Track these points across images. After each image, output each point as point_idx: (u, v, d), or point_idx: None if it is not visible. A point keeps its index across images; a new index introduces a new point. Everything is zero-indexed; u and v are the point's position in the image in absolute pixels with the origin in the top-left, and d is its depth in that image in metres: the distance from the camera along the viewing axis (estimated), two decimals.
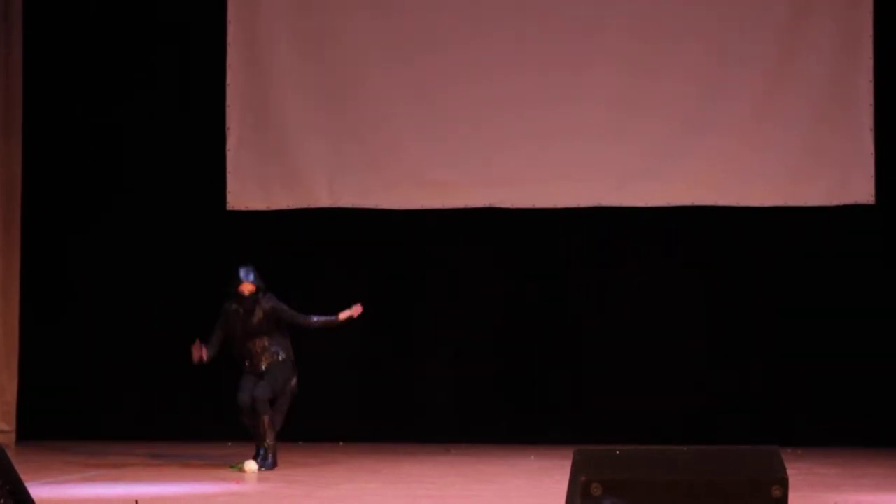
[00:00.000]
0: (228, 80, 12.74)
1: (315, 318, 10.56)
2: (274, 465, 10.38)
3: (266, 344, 10.47)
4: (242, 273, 10.48)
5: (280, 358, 10.48)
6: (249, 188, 12.75)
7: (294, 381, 10.54)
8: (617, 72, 12.35)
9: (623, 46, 12.35)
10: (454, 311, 12.80)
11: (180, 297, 12.87)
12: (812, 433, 12.04)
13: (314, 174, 12.67)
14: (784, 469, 5.62)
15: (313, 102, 12.65)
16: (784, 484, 5.57)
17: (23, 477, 5.91)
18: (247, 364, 10.53)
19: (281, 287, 12.81)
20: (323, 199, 12.69)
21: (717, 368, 12.41)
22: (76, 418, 12.81)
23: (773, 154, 12.21)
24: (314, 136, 12.66)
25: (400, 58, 12.59)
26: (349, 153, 12.63)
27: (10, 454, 6.09)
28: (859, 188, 12.14)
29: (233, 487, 9.23)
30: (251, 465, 10.29)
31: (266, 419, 10.38)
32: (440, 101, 12.53)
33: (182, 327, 12.84)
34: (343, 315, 10.52)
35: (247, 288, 10.43)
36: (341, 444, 12.47)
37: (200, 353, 10.32)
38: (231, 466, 10.39)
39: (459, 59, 12.53)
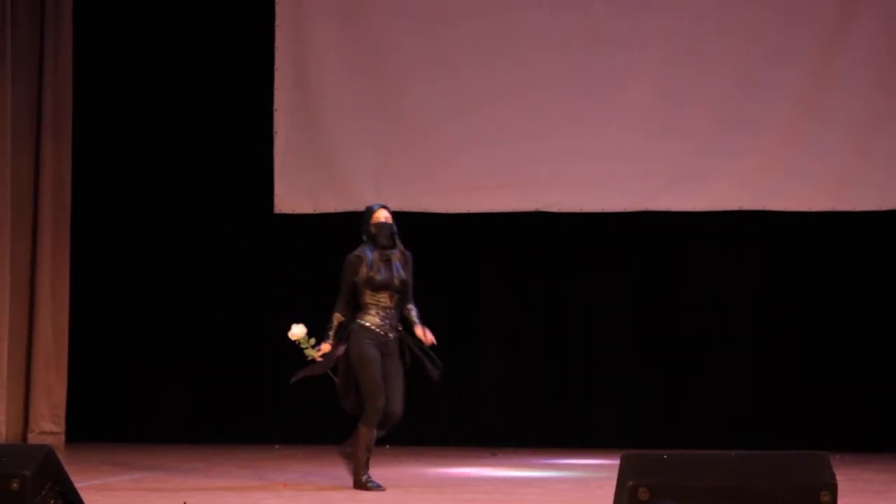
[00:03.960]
0: (276, 84, 12.79)
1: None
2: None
3: None
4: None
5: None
6: (296, 192, 12.79)
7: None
8: (658, 77, 12.31)
9: (664, 53, 12.31)
10: (503, 314, 12.79)
11: (227, 299, 12.92)
12: (860, 438, 11.97)
13: (361, 178, 12.70)
14: (833, 474, 5.59)
15: (360, 107, 12.68)
16: (833, 490, 5.55)
17: (72, 478, 5.96)
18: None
19: (326, 291, 12.86)
20: (369, 201, 12.70)
21: (765, 372, 12.35)
22: (125, 420, 12.88)
23: (821, 157, 12.14)
24: (361, 140, 12.69)
25: (446, 65, 12.61)
26: (396, 158, 12.65)
27: (60, 455, 6.14)
28: None
29: (281, 491, 9.25)
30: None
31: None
32: (486, 107, 12.53)
33: (229, 330, 12.92)
34: (417, 330, 9.14)
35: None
36: (388, 447, 12.50)
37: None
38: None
39: (505, 67, 12.52)
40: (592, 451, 11.85)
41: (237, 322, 12.93)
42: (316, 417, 12.71)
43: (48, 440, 11.95)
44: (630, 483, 5.50)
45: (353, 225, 12.73)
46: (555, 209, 12.50)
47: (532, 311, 12.80)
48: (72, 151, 12.80)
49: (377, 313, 9.08)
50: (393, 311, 9.10)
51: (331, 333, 9.10)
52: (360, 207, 12.75)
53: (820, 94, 12.17)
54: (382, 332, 9.07)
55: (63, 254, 12.77)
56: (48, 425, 12.62)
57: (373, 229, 9.22)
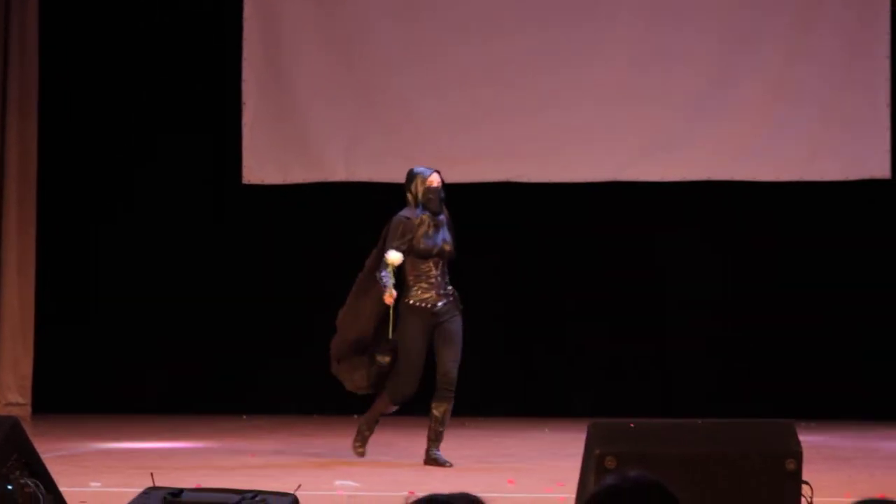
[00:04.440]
0: (245, 54, 12.73)
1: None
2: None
3: None
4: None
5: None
6: (265, 162, 12.74)
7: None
8: (631, 51, 12.31)
9: (638, 28, 12.30)
10: (473, 284, 12.77)
11: (194, 270, 12.89)
12: (826, 407, 12.04)
13: (330, 148, 12.67)
14: (798, 442, 5.62)
15: (329, 77, 12.63)
16: (798, 457, 5.58)
17: (38, 449, 5.94)
18: None
19: (296, 262, 12.86)
20: (339, 173, 12.69)
21: (733, 341, 12.40)
22: (92, 392, 12.84)
23: (789, 129, 12.17)
24: (330, 111, 12.65)
25: (419, 39, 12.54)
26: (366, 128, 12.62)
27: (26, 426, 6.12)
28: (875, 163, 12.10)
29: (249, 461, 9.25)
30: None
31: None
32: (456, 79, 12.49)
33: (196, 300, 12.89)
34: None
35: None
36: (356, 416, 12.48)
37: None
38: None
39: (476, 41, 12.46)
40: (562, 419, 11.88)
41: (204, 292, 12.90)
42: (284, 389, 12.71)
43: (15, 412, 11.91)
44: (597, 451, 5.51)
45: (322, 195, 12.79)
46: (524, 180, 12.49)
47: (502, 281, 12.80)
48: (38, 126, 12.74)
49: (421, 286, 8.83)
50: (439, 279, 8.85)
51: (390, 283, 8.72)
52: (329, 178, 12.82)
53: (788, 68, 12.20)
54: (430, 305, 8.83)
55: (30, 227, 12.74)
56: (14, 397, 12.61)
57: (426, 194, 8.94)
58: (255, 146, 12.72)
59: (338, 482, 7.94)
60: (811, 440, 10.08)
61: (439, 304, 8.83)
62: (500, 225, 12.72)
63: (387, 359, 8.85)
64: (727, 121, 12.24)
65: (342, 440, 9.91)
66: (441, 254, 8.86)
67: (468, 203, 12.70)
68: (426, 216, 8.87)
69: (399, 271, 8.81)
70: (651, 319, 12.60)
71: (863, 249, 12.31)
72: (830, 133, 12.16)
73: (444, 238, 8.88)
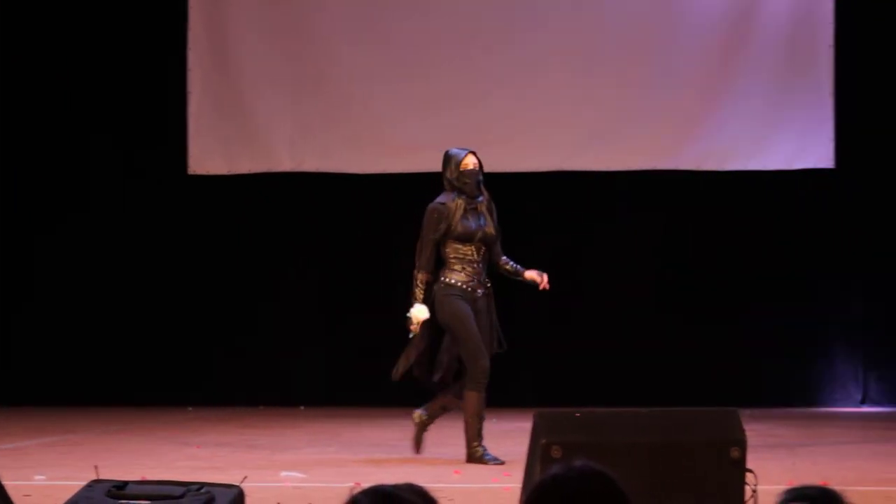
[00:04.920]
0: (190, 44, 12.66)
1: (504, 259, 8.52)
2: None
3: None
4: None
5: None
6: (211, 153, 12.68)
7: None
8: (577, 38, 12.33)
9: (584, 13, 12.33)
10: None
11: (140, 261, 12.81)
12: (771, 394, 12.12)
13: (275, 138, 12.62)
14: (742, 430, 5.65)
15: (275, 66, 12.58)
16: (742, 445, 5.61)
17: None
18: None
19: (241, 253, 12.81)
20: (285, 163, 12.64)
21: (675, 331, 12.45)
22: (37, 384, 12.74)
23: (734, 118, 12.24)
24: (275, 100, 12.60)
25: (365, 26, 12.52)
26: (311, 117, 12.58)
27: None
28: (819, 152, 12.18)
29: (195, 452, 9.21)
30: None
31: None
32: (403, 68, 12.47)
33: (142, 292, 12.82)
34: (530, 274, 8.60)
35: None
36: (303, 408, 12.47)
37: None
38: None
39: (420, 29, 12.47)
40: (508, 409, 11.89)
41: (150, 284, 12.83)
42: (230, 380, 12.66)
43: None
44: (543, 441, 5.52)
45: (268, 186, 12.73)
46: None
47: None
48: None
49: (462, 269, 8.32)
50: (480, 266, 8.35)
51: (419, 295, 8.30)
52: (275, 168, 12.77)
53: (731, 58, 12.25)
54: (470, 289, 8.32)
55: None
56: None
57: (461, 178, 8.41)
58: (201, 137, 12.66)
59: (283, 473, 7.92)
60: (755, 428, 10.14)
61: (479, 291, 8.37)
62: None
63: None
64: (671, 111, 12.28)
65: (287, 431, 9.90)
66: (484, 238, 8.37)
67: (414, 192, 12.69)
68: (462, 200, 8.38)
69: (439, 255, 8.35)
70: (593, 308, 12.61)
71: (807, 238, 12.38)
72: (775, 123, 12.23)
73: (483, 222, 8.39)
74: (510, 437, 9.77)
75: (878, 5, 12.33)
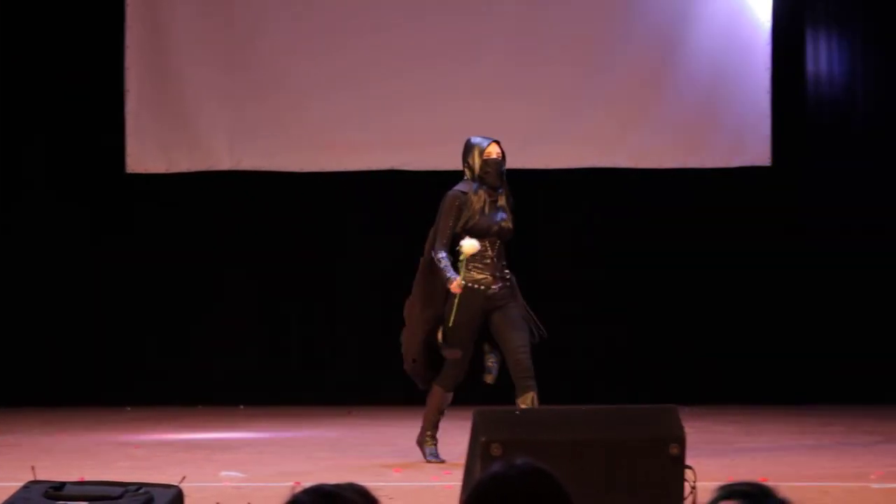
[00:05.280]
0: (127, 42, 12.57)
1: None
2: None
3: None
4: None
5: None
6: (149, 151, 12.59)
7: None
8: (512, 37, 12.35)
9: (521, 12, 12.35)
10: (362, 272, 12.75)
11: (79, 262, 12.71)
12: (709, 391, 12.18)
13: (214, 136, 12.55)
14: (681, 427, 5.69)
15: (214, 61, 12.51)
16: (681, 442, 5.64)
17: None
18: None
19: (181, 252, 12.73)
20: (224, 161, 12.58)
21: (614, 329, 12.48)
22: None
23: (670, 116, 12.29)
24: (214, 97, 12.53)
25: (300, 20, 12.48)
26: (250, 115, 12.51)
27: None
28: (755, 150, 12.26)
29: (133, 452, 9.15)
30: None
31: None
32: (341, 61, 12.44)
33: (79, 293, 12.71)
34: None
35: None
36: (242, 407, 12.42)
37: None
38: None
39: (361, 17, 12.45)
40: (449, 407, 11.89)
41: (87, 283, 12.73)
42: (168, 380, 12.59)
43: None
44: (483, 439, 5.53)
45: (206, 185, 12.66)
46: (409, 168, 12.49)
47: (391, 268, 12.76)
48: None
49: (476, 266, 8.17)
50: (495, 261, 8.17)
51: (449, 268, 8.11)
52: (214, 167, 12.72)
53: (668, 56, 12.31)
54: (485, 287, 8.19)
55: None
56: None
57: (484, 167, 8.24)
58: (139, 135, 12.57)
59: (223, 473, 7.89)
60: (694, 425, 10.20)
61: (494, 286, 8.21)
62: (388, 211, 12.70)
63: (457, 353, 8.30)
64: (608, 109, 12.32)
65: (227, 431, 9.86)
66: (500, 233, 8.21)
67: (354, 191, 12.69)
68: (483, 191, 8.21)
69: (450, 250, 8.20)
70: (532, 305, 12.62)
71: (743, 235, 12.46)
72: (711, 121, 12.30)
73: (502, 216, 8.22)
74: (450, 435, 9.79)
75: (814, 4, 12.46)
